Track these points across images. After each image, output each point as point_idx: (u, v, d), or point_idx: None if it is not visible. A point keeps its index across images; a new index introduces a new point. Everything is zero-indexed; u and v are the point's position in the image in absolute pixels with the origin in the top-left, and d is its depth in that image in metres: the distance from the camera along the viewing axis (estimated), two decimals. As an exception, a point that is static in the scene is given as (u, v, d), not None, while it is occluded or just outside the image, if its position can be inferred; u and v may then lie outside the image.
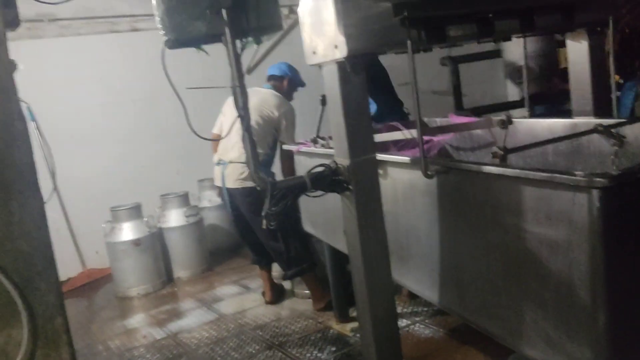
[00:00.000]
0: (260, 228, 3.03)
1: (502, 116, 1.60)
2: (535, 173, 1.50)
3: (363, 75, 1.98)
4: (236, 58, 1.88)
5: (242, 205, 3.57)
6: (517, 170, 1.56)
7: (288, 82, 3.82)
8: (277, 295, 3.89)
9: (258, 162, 2.00)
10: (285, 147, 3.57)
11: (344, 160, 2.01)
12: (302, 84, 3.89)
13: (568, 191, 1.42)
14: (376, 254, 2.11)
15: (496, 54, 5.42)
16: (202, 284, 4.55)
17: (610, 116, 2.35)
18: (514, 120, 2.68)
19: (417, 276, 2.19)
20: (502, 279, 1.73)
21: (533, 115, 3.19)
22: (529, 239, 1.58)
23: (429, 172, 1.87)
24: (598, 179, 1.33)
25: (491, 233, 1.74)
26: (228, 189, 3.61)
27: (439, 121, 3.25)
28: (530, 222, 1.57)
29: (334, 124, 2.03)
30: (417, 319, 3.15)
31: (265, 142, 3.57)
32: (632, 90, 4.42)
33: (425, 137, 3.02)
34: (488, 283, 1.79)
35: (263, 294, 3.93)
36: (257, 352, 3.12)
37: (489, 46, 5.52)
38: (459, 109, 4.67)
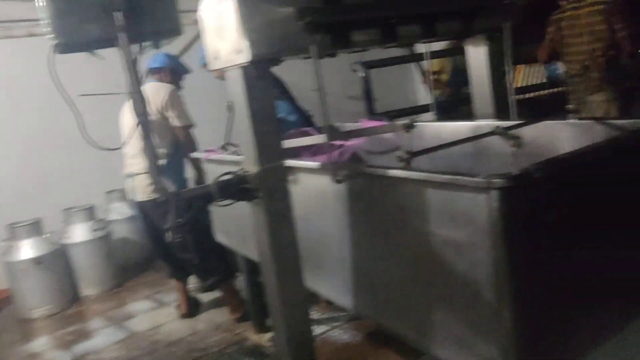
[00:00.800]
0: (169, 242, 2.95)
1: (406, 120, 1.59)
2: (438, 175, 1.52)
3: (269, 80, 1.94)
4: (132, 63, 1.78)
5: (154, 217, 3.41)
6: (421, 173, 1.57)
7: (170, 72, 3.70)
8: (192, 308, 3.77)
9: (159, 171, 1.90)
10: (193, 155, 3.46)
11: (252, 168, 1.96)
12: (187, 71, 3.79)
13: (469, 192, 1.44)
14: (288, 263, 2.07)
15: (408, 59, 5.54)
16: (112, 301, 4.32)
17: (509, 118, 2.45)
18: (420, 124, 2.74)
19: (331, 283, 2.17)
20: (412, 282, 1.74)
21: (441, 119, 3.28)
22: (435, 240, 1.60)
23: (338, 178, 1.86)
24: (496, 180, 1.36)
25: (400, 236, 1.75)
26: (138, 202, 3.48)
27: (350, 126, 3.27)
28: (436, 224, 1.58)
29: (241, 131, 1.98)
30: (335, 324, 3.15)
31: (166, 141, 3.45)
32: None
33: (338, 143, 3.04)
34: (399, 286, 1.80)
35: (178, 306, 3.79)
36: (170, 370, 2.99)
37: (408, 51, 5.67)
38: (371, 113, 4.72)
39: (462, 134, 2.47)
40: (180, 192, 1.90)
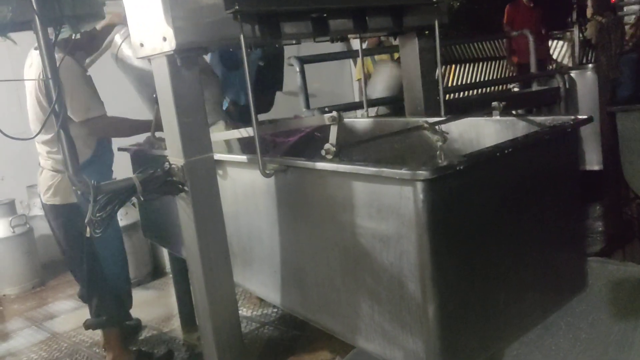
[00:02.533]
0: (71, 257, 2.72)
1: (333, 113, 1.58)
2: (364, 168, 1.51)
3: (196, 70, 1.88)
4: (48, 48, 1.68)
5: (54, 227, 2.83)
6: (348, 166, 1.56)
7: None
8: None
9: (77, 162, 1.79)
10: (120, 147, 2.94)
11: (178, 160, 1.90)
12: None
13: (395, 185, 1.45)
14: (216, 259, 2.02)
15: (343, 55, 5.56)
16: (32, 301, 4.11)
17: (439, 115, 2.50)
18: (352, 120, 2.75)
19: (261, 279, 2.14)
20: (340, 277, 1.73)
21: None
22: (363, 234, 1.60)
23: (267, 171, 1.83)
24: (421, 172, 1.37)
25: (329, 231, 1.73)
26: (43, 204, 2.84)
27: (287, 121, 3.24)
28: (364, 217, 1.58)
29: (166, 122, 1.91)
30: (267, 320, 3.11)
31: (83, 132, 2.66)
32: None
33: (271, 138, 3.01)
34: (328, 281, 1.78)
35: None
36: (93, 372, 2.87)
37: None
38: (307, 108, 4.71)
39: (393, 129, 2.51)
40: (101, 185, 1.81)
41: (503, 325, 1.72)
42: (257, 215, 2.06)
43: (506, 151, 1.55)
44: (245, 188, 2.09)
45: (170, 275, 3.24)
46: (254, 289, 2.20)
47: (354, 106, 4.91)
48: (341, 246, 1.70)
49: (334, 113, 1.56)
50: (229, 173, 2.13)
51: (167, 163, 1.89)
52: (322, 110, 4.32)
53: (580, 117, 1.87)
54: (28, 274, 4.34)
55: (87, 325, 2.87)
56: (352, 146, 1.67)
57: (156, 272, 4.13)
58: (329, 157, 1.61)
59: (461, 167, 1.42)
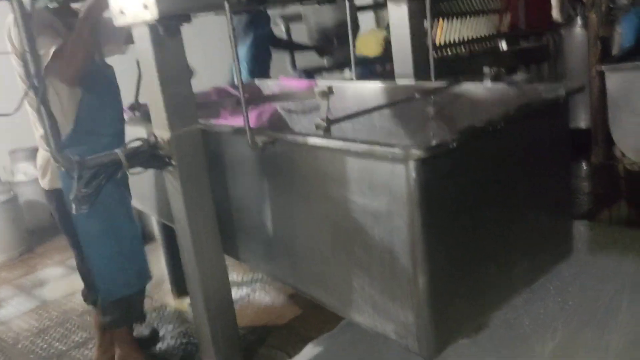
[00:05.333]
0: (75, 247, 2.27)
1: (323, 87, 1.53)
2: (357, 145, 1.48)
3: (179, 38, 1.81)
4: (24, 17, 1.60)
5: (54, 210, 2.32)
6: (340, 142, 1.53)
7: None
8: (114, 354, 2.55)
9: (59, 137, 1.74)
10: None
11: (163, 133, 1.85)
12: None
13: (387, 162, 1.43)
14: (205, 230, 2.01)
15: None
16: (20, 268, 4.08)
17: (429, 77, 2.46)
18: (340, 84, 2.70)
19: (251, 249, 2.13)
20: (331, 250, 1.72)
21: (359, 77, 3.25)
22: (354, 209, 1.58)
23: (255, 144, 1.79)
24: (414, 151, 1.34)
25: (319, 204, 1.72)
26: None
27: (270, 84, 3.18)
28: (355, 192, 1.56)
29: (150, 93, 1.85)
30: (257, 286, 3.13)
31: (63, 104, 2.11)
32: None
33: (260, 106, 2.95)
34: (319, 254, 1.78)
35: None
36: (85, 341, 2.87)
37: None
38: (293, 68, 4.63)
39: (382, 94, 2.46)
40: (85, 160, 1.76)
41: (492, 294, 1.73)
42: (246, 186, 2.03)
43: (499, 126, 1.52)
44: (233, 159, 2.05)
45: (159, 241, 3.20)
46: (244, 259, 2.19)
47: (341, 66, 4.85)
48: (332, 220, 1.68)
49: (325, 87, 1.51)
50: (217, 143, 2.08)
51: (152, 136, 1.85)
52: (308, 73, 4.27)
53: (571, 85, 1.85)
54: (14, 241, 4.29)
55: (104, 324, 2.49)
56: (342, 120, 1.63)
57: (144, 237, 4.11)
58: (320, 132, 1.57)
59: (454, 145, 1.40)
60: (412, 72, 2.51)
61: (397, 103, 1.82)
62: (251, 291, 3.07)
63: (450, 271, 1.55)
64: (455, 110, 1.94)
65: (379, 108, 1.77)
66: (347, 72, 4.40)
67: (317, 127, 1.56)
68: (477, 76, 2.18)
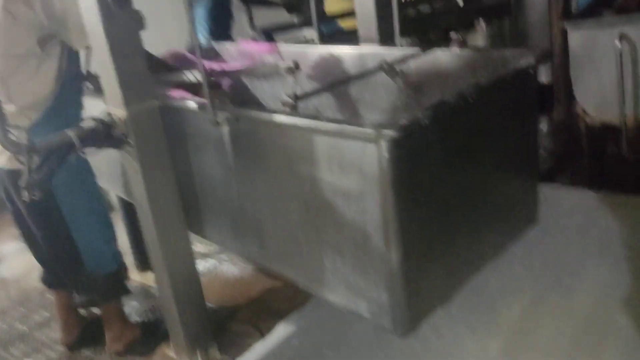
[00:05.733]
0: (38, 225, 2.15)
1: (289, 63, 1.45)
2: (326, 124, 1.42)
3: (130, 8, 1.68)
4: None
5: (13, 192, 2.10)
6: (308, 121, 1.47)
7: None
8: (79, 333, 2.52)
9: (4, 118, 1.59)
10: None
11: (118, 111, 1.74)
12: None
13: (358, 141, 1.37)
14: (167, 210, 1.94)
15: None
16: (-28, 245, 3.92)
17: (393, 42, 2.39)
18: (304, 49, 2.60)
19: (218, 227, 2.07)
20: (301, 229, 1.68)
21: (322, 36, 3.13)
22: (324, 188, 1.53)
23: (217, 120, 1.70)
24: (385, 131, 1.29)
25: (287, 182, 1.66)
26: None
27: (229, 47, 3.05)
28: (324, 171, 1.51)
29: (101, 69, 1.73)
30: (224, 257, 3.08)
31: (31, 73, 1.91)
32: None
33: (217, 66, 2.83)
34: (288, 233, 1.74)
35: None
36: (47, 321, 2.78)
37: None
38: (252, 28, 4.46)
39: (347, 60, 2.38)
40: (34, 143, 1.64)
41: (463, 266, 1.74)
42: (211, 163, 1.95)
43: (470, 99, 1.48)
44: (197, 135, 1.96)
45: (117, 211, 3.09)
46: (210, 238, 2.13)
47: (302, 24, 4.70)
48: (301, 199, 1.63)
49: (290, 63, 1.43)
50: (178, 120, 1.98)
51: (107, 114, 1.73)
52: (268, 33, 4.10)
53: (538, 51, 1.82)
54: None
55: (83, 303, 2.56)
56: (310, 96, 1.55)
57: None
58: (287, 109, 1.50)
59: (426, 122, 1.35)
60: (376, 33, 2.42)
61: (364, 75, 1.75)
62: (218, 263, 3.02)
63: (423, 248, 1.53)
64: (424, 82, 1.89)
65: (346, 81, 1.69)
66: (308, 32, 4.26)
67: (284, 104, 1.49)
68: (443, 40, 2.13)
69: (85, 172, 2.15)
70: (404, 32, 2.58)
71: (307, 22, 4.44)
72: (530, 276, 2.22)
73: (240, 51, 2.88)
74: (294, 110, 1.50)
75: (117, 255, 2.36)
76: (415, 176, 1.43)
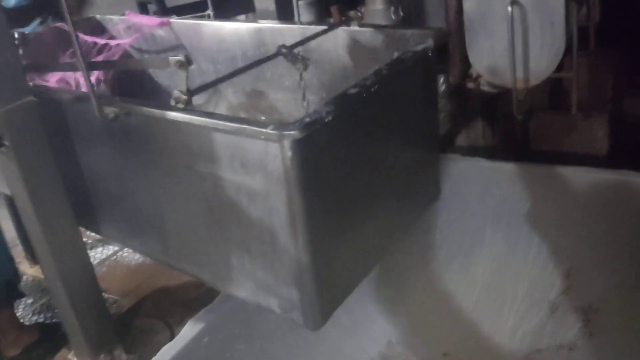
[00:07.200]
0: None
1: (180, 56, 1.34)
2: (225, 123, 1.34)
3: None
4: None
5: None
6: (204, 119, 1.37)
7: None
8: None
9: None
10: None
11: (-12, 110, 1.55)
12: None
13: (260, 140, 1.31)
14: (53, 209, 1.78)
15: None
16: None
17: (291, 18, 2.30)
18: (198, 22, 2.45)
19: (114, 225, 1.94)
20: (204, 227, 1.61)
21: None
22: (226, 187, 1.46)
23: (105, 115, 1.56)
24: (288, 132, 1.23)
25: (186, 180, 1.57)
26: None
27: (116, 20, 2.81)
28: (226, 170, 1.44)
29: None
30: (125, 242, 2.92)
31: None
32: None
33: (104, 41, 2.60)
34: (192, 231, 1.66)
35: None
36: None
37: None
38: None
39: (244, 37, 2.27)
40: None
41: (372, 251, 1.75)
42: (101, 159, 1.80)
43: (372, 89, 1.45)
44: (83, 129, 1.79)
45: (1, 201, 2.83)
46: (107, 235, 2.00)
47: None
48: (202, 198, 1.55)
49: (181, 57, 1.32)
50: (60, 113, 1.80)
51: (-26, 115, 1.54)
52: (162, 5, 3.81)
53: (438, 30, 1.82)
54: None
55: None
56: (203, 90, 1.45)
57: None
58: (181, 105, 1.39)
59: (329, 118, 1.30)
60: (274, 9, 2.33)
61: (263, 60, 1.67)
62: (119, 249, 2.86)
63: (331, 242, 1.51)
64: (326, 68, 1.83)
65: (243, 69, 1.60)
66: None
67: (177, 100, 1.38)
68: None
69: None
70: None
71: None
72: (433, 246, 2.29)
73: (129, 24, 2.67)
74: (188, 105, 1.39)
75: (7, 266, 2.26)
76: (320, 172, 1.40)
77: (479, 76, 3.75)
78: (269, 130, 1.25)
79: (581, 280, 1.96)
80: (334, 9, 1.90)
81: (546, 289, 2.02)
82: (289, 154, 1.28)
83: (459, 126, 3.63)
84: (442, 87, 4.08)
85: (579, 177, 2.10)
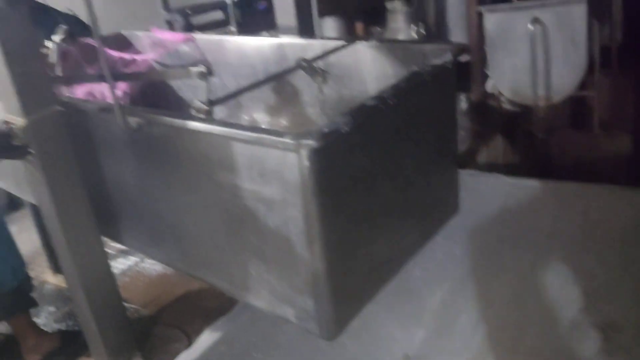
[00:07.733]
0: None
1: (201, 67, 1.38)
2: (244, 132, 1.37)
3: (24, 7, 1.54)
4: None
5: None
6: (224, 129, 1.40)
7: None
8: None
9: None
10: None
11: (17, 120, 1.60)
12: None
13: (278, 150, 1.33)
14: (77, 217, 1.82)
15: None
16: None
17: (311, 30, 2.33)
18: (220, 38, 2.51)
19: (135, 234, 1.97)
20: (223, 236, 1.63)
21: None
22: (245, 196, 1.48)
23: (128, 125, 1.60)
24: (306, 142, 1.26)
25: (206, 190, 1.60)
26: None
27: (142, 36, 2.89)
28: (244, 179, 1.46)
29: (-4, 75, 1.58)
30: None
31: None
32: None
33: (130, 56, 2.67)
34: (210, 240, 1.68)
35: None
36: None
37: None
38: (166, 9, 4.24)
39: (266, 52, 2.31)
40: None
41: (389, 264, 1.75)
42: (124, 169, 1.84)
43: (390, 102, 1.47)
44: (107, 140, 1.84)
45: (27, 209, 2.90)
46: (128, 244, 2.03)
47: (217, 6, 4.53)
48: (221, 207, 1.58)
49: (202, 67, 1.36)
50: (85, 123, 1.85)
51: (4, 124, 1.59)
52: (183, 12, 3.92)
53: (457, 45, 1.83)
54: None
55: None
56: (224, 101, 1.49)
57: (12, 203, 3.72)
58: (201, 116, 1.43)
59: (347, 129, 1.32)
60: (296, 25, 2.37)
61: (284, 74, 1.70)
62: (140, 260, 2.91)
63: (348, 252, 1.52)
64: (345, 83, 1.86)
65: (264, 82, 1.64)
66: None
67: (198, 110, 1.41)
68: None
69: None
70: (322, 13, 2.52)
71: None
72: (453, 262, 2.28)
73: (154, 40, 2.74)
74: (208, 116, 1.43)
75: (17, 272, 2.24)
76: (337, 182, 1.41)
77: (500, 94, 3.75)
78: (286, 140, 1.28)
79: (601, 299, 1.93)
80: (358, 26, 1.93)
81: (566, 306, 2.00)
82: (307, 163, 1.29)
83: (479, 143, 3.63)
84: (463, 105, 4.10)
85: (600, 194, 2.08)
